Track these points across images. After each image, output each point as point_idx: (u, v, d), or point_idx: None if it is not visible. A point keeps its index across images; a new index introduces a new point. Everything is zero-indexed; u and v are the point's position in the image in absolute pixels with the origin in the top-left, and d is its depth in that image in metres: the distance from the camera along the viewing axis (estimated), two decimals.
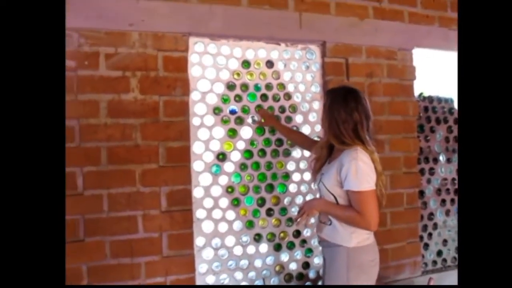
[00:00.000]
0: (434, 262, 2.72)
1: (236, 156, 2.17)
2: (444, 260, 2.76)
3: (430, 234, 2.71)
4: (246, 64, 2.19)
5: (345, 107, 1.59)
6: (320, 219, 1.73)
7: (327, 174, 1.64)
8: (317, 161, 1.76)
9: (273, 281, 2.22)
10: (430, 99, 2.78)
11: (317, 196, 1.80)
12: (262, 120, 2.16)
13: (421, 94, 2.75)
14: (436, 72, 2.94)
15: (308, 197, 2.27)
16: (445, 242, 2.77)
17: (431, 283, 1.98)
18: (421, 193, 2.67)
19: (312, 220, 2.23)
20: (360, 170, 1.51)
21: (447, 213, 2.79)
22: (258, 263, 2.20)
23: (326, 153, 1.73)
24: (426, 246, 2.69)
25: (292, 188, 2.29)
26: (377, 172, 1.58)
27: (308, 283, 2.30)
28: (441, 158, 2.80)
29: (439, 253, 2.75)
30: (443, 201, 2.78)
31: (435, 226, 2.74)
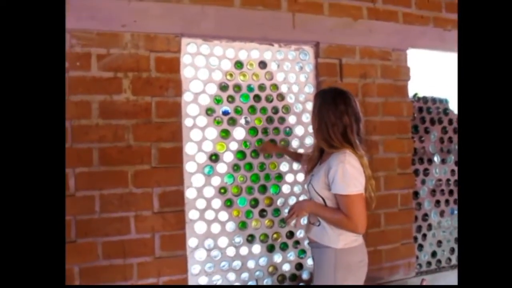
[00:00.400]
0: (429, 263, 2.72)
1: (229, 157, 2.17)
2: (439, 261, 2.75)
3: (424, 235, 2.71)
4: (239, 64, 2.19)
5: (334, 110, 1.56)
6: (309, 220, 1.72)
7: (316, 176, 1.62)
8: (309, 162, 1.76)
9: (266, 282, 2.22)
10: (425, 99, 2.78)
11: (307, 197, 1.78)
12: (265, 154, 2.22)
13: (415, 94, 2.74)
14: (431, 73, 2.93)
15: (302, 198, 2.27)
16: (439, 243, 2.77)
17: (424, 283, 1.97)
18: (416, 194, 2.67)
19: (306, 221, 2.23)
20: (347, 174, 1.49)
21: (442, 214, 2.79)
22: (251, 264, 2.20)
23: (317, 154, 1.72)
24: (421, 247, 2.69)
25: (285, 189, 2.29)
26: (366, 176, 1.56)
27: (301, 284, 2.30)
28: (436, 159, 2.79)
29: (434, 254, 2.74)
30: (438, 202, 2.78)
31: (429, 227, 2.74)
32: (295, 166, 2.30)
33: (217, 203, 2.13)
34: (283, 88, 2.30)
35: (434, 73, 2.89)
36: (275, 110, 2.27)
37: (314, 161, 1.74)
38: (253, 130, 2.22)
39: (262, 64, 2.25)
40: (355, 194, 1.49)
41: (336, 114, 1.56)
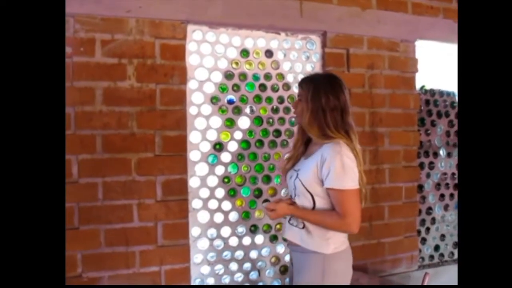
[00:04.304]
0: (431, 257, 2.71)
1: (233, 146, 2.15)
2: (441, 255, 2.74)
3: (428, 229, 2.70)
4: (245, 53, 2.16)
5: (332, 92, 1.42)
6: (289, 221, 1.54)
7: (305, 169, 1.46)
8: (289, 160, 1.59)
9: (268, 272, 2.22)
10: (432, 92, 2.74)
11: (293, 195, 1.55)
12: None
13: (423, 87, 2.71)
14: (439, 65, 2.89)
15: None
16: (442, 237, 2.75)
17: (427, 279, 1.96)
18: (420, 187, 2.65)
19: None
20: (346, 166, 1.35)
21: (446, 207, 2.77)
22: (253, 254, 2.19)
23: (302, 150, 1.57)
24: (424, 240, 2.68)
25: None
26: (358, 172, 1.41)
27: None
28: (442, 152, 2.77)
29: (437, 247, 2.73)
30: (442, 195, 2.76)
31: (433, 220, 2.72)
32: None
33: (220, 192, 2.11)
34: (289, 78, 2.27)
35: (442, 65, 2.85)
36: (281, 100, 2.24)
37: (296, 157, 1.58)
38: (258, 120, 2.19)
39: (269, 53, 2.21)
40: (352, 189, 1.36)
41: (335, 96, 1.42)
